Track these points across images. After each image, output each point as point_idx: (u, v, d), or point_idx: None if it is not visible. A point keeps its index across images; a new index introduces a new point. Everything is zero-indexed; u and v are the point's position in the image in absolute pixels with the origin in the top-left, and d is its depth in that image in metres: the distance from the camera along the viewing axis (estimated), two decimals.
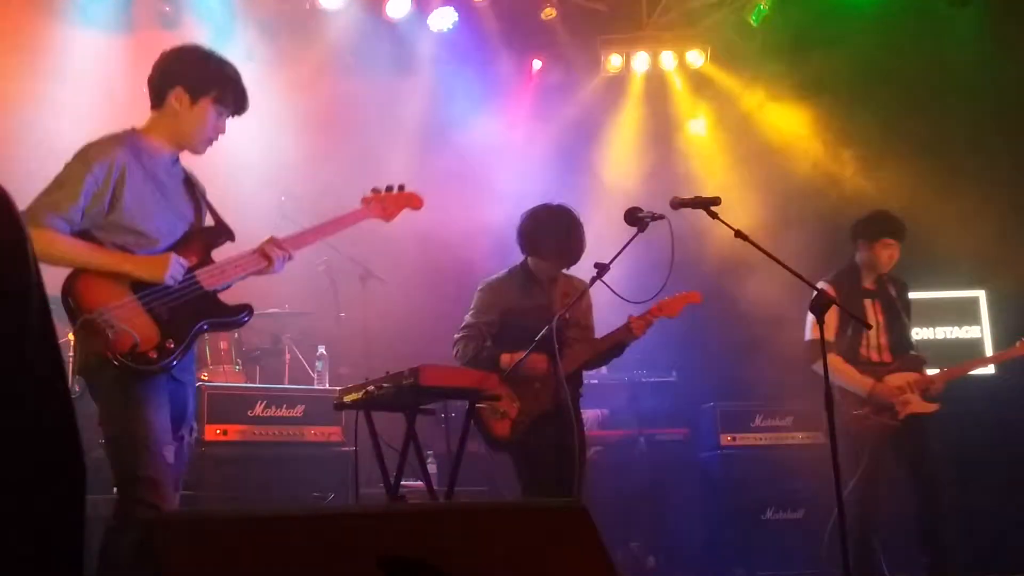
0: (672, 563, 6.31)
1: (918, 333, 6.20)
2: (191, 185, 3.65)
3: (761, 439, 6.42)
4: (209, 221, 3.67)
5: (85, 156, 3.36)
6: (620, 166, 7.90)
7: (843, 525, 3.65)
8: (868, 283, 5.40)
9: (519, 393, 4.60)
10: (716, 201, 4.18)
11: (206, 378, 6.13)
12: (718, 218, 4.15)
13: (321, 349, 6.48)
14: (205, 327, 3.51)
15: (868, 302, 5.34)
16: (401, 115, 7.69)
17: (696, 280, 5.76)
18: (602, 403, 6.69)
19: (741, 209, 6.78)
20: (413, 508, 3.42)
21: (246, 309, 3.61)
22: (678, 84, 8.02)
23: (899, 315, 5.35)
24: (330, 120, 7.44)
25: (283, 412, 5.60)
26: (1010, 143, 6.83)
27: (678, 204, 4.24)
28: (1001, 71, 6.75)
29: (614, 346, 4.69)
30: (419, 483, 4.90)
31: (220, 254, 3.61)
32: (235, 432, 5.46)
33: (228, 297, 3.64)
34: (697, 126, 8.02)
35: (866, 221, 5.44)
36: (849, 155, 7.29)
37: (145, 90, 3.56)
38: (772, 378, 6.43)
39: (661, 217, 4.32)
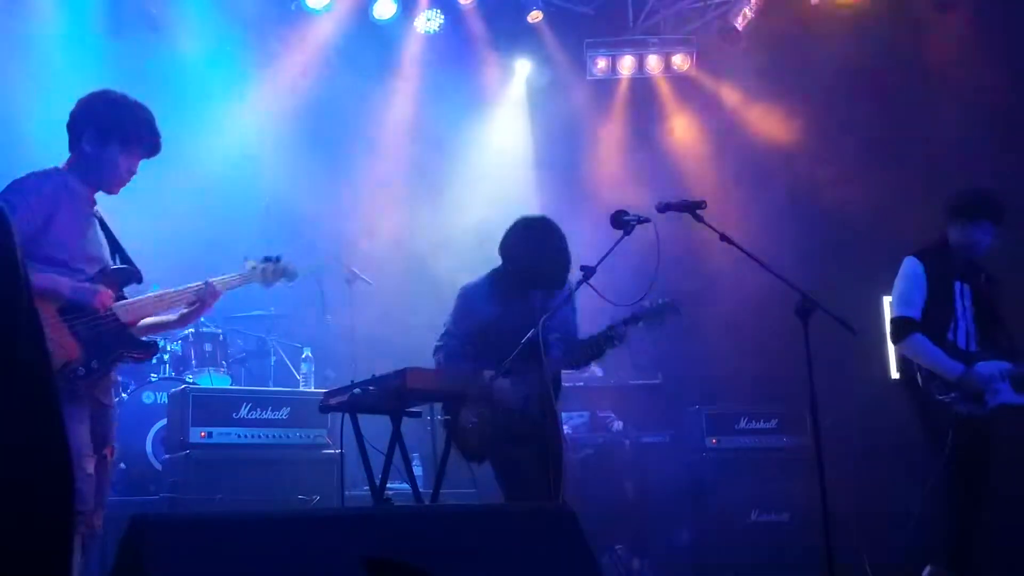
0: (658, 566, 6.31)
1: None
2: (105, 227, 3.79)
3: (747, 442, 6.43)
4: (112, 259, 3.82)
5: (22, 184, 3.52)
6: (606, 169, 7.91)
7: (827, 527, 3.66)
8: (958, 264, 4.87)
9: (484, 404, 4.45)
10: (702, 204, 4.19)
11: (191, 380, 6.12)
12: (703, 221, 4.16)
13: (307, 351, 6.47)
14: (121, 356, 3.69)
15: (957, 284, 4.86)
16: (386, 116, 7.68)
17: (682, 282, 5.78)
18: (588, 406, 6.70)
19: (727, 212, 6.80)
20: (398, 510, 3.42)
21: (153, 347, 3.83)
22: (664, 87, 8.04)
23: (989, 303, 4.90)
24: (315, 121, 7.43)
25: (268, 414, 5.58)
26: (993, 146, 6.86)
27: (664, 207, 4.24)
28: (984, 74, 6.76)
29: (589, 352, 4.65)
30: (405, 485, 4.90)
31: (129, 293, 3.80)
32: (220, 434, 5.45)
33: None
34: (681, 129, 8.04)
35: (967, 199, 4.90)
36: (834, 158, 7.30)
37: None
38: (758, 381, 6.45)
39: (647, 220, 4.32)
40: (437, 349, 4.66)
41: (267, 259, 4.23)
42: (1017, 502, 5.10)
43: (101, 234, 3.76)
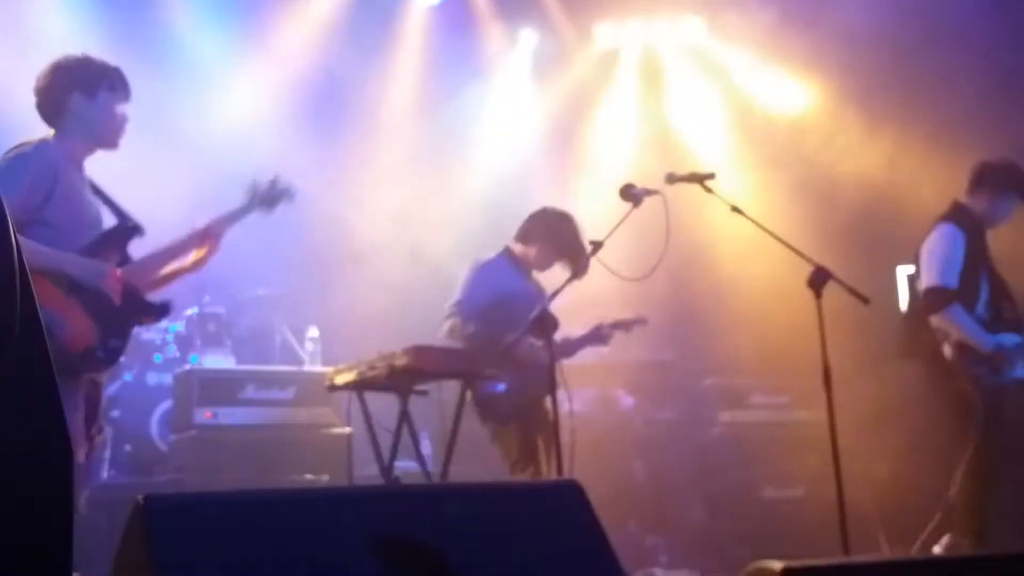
0: (671, 543, 6.27)
1: None
2: (96, 188, 3.71)
3: (760, 416, 6.37)
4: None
5: (25, 152, 3.44)
6: (613, 141, 7.81)
7: (841, 502, 3.62)
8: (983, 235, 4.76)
9: (512, 371, 4.57)
10: (711, 176, 4.16)
11: (195, 360, 6.08)
12: (713, 192, 4.11)
13: (313, 331, 6.41)
14: (134, 323, 3.67)
15: (982, 254, 4.75)
16: (388, 90, 7.59)
17: (692, 255, 5.71)
18: (598, 383, 6.64)
19: (737, 183, 6.71)
20: (406, 488, 3.38)
21: (166, 306, 3.73)
22: (672, 55, 7.91)
23: (998, 273, 4.80)
24: (317, 94, 7.35)
25: (274, 394, 5.55)
26: (1011, 113, 6.71)
27: (673, 179, 4.19)
28: (1003, 38, 6.60)
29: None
30: (414, 464, 4.86)
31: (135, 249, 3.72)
32: (226, 415, 5.41)
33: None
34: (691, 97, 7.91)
35: (1001, 170, 4.76)
36: (847, 127, 7.18)
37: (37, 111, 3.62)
38: (769, 355, 6.37)
39: (656, 192, 4.28)
40: (448, 316, 4.67)
41: (263, 182, 4.09)
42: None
43: (94, 200, 3.69)
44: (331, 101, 7.48)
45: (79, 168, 3.63)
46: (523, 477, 4.47)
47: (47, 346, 1.39)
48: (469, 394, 4.60)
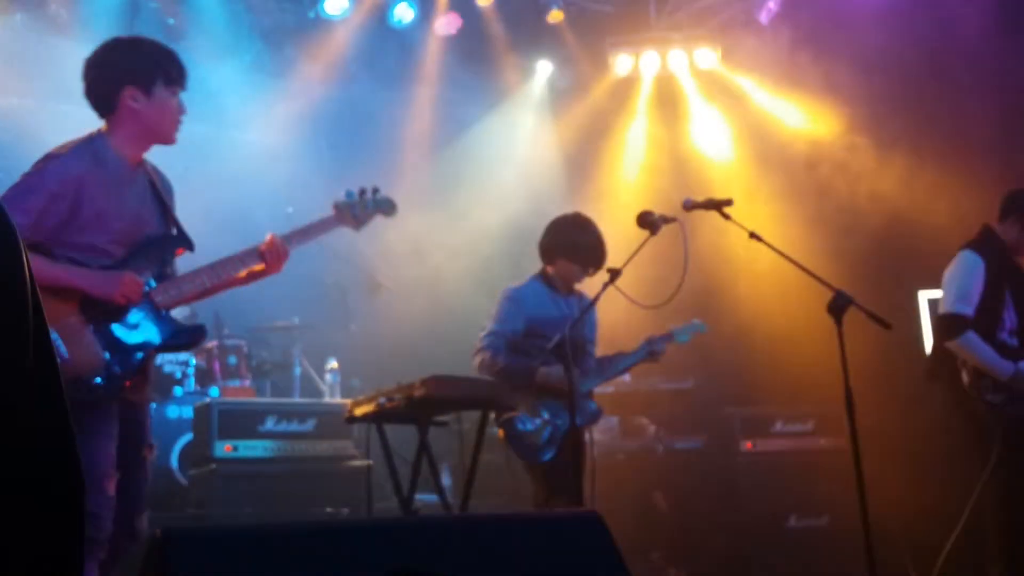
0: (694, 573, 6.19)
1: None
2: (156, 192, 3.42)
3: (783, 444, 6.30)
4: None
5: (45, 167, 3.19)
6: (630, 169, 7.82)
7: (867, 531, 3.55)
8: (1006, 261, 4.76)
9: (548, 405, 4.50)
10: (728, 202, 4.14)
11: (216, 394, 6.09)
12: (731, 219, 4.08)
13: (332, 362, 6.42)
14: (155, 350, 3.31)
15: (1007, 281, 4.73)
16: (406, 121, 7.64)
17: (710, 283, 5.68)
18: (619, 411, 6.59)
19: (755, 210, 6.68)
20: (426, 519, 3.34)
21: (199, 331, 3.43)
22: (688, 84, 7.92)
23: None
24: (336, 127, 7.41)
25: (294, 426, 5.53)
26: (1020, 143, 6.65)
27: (691, 206, 4.18)
28: (1017, 61, 6.57)
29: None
30: (434, 496, 4.82)
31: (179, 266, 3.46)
32: (246, 448, 5.40)
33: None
34: (708, 127, 7.92)
35: None
36: (864, 152, 7.16)
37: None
38: (792, 382, 6.31)
39: (673, 220, 4.26)
40: (480, 350, 4.58)
41: (361, 192, 3.78)
42: None
43: (152, 203, 3.37)
44: (348, 132, 7.54)
45: (128, 169, 3.32)
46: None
47: (60, 374, 1.37)
48: (501, 432, 4.53)
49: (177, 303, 3.37)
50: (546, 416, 4.49)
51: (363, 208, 3.77)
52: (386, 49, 7.42)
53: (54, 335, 2.96)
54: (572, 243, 4.73)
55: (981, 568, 4.65)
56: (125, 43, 3.43)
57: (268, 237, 3.51)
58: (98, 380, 3.10)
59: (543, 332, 4.48)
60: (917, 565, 5.23)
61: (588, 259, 4.70)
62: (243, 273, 3.49)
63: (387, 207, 3.86)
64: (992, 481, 4.50)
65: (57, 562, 1.33)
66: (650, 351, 4.77)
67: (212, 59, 6.82)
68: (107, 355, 3.14)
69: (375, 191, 3.82)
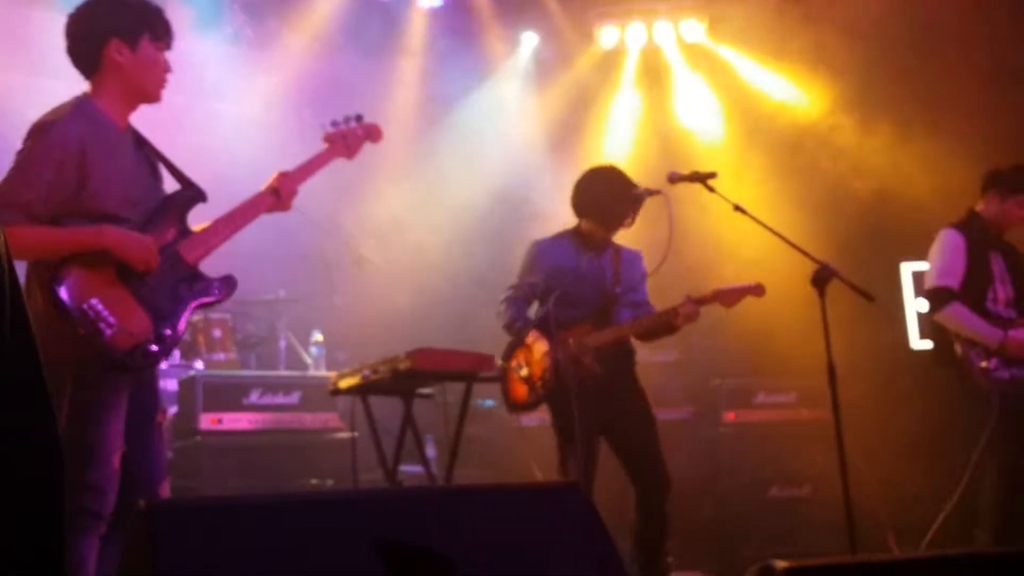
0: (677, 543, 6.25)
1: None
2: (146, 154, 3.35)
3: (765, 415, 6.36)
4: (169, 184, 3.41)
5: (43, 136, 3.07)
6: (615, 141, 7.81)
7: (848, 500, 3.60)
8: (992, 237, 4.99)
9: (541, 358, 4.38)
10: (713, 175, 4.15)
11: (201, 367, 6.08)
12: (716, 192, 4.10)
13: (317, 335, 6.42)
14: (195, 306, 3.26)
15: (993, 255, 4.94)
16: (391, 94, 7.60)
17: (695, 255, 5.70)
18: None
19: (740, 183, 6.69)
20: (410, 491, 3.37)
21: (230, 281, 3.33)
22: (674, 56, 7.90)
23: (1021, 273, 4.95)
24: (319, 100, 7.36)
25: (279, 399, 5.55)
26: (1004, 116, 6.65)
27: (676, 179, 4.19)
28: (1011, 35, 6.52)
29: (659, 326, 4.55)
30: (419, 468, 4.86)
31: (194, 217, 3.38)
32: (230, 420, 5.41)
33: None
34: (694, 100, 7.90)
35: (1009, 174, 5.00)
36: (850, 126, 7.16)
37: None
38: (776, 354, 6.36)
39: (658, 192, 4.28)
40: (502, 301, 4.58)
41: (346, 119, 3.76)
42: None
43: (144, 163, 3.31)
44: (332, 104, 7.44)
45: (116, 131, 3.23)
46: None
47: (38, 355, 1.36)
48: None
49: (205, 256, 3.30)
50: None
51: (353, 135, 3.76)
52: (369, 21, 7.36)
53: (100, 306, 2.97)
54: (589, 196, 4.57)
55: (969, 534, 4.76)
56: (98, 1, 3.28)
57: (276, 174, 3.51)
58: (153, 347, 3.05)
59: (566, 284, 4.40)
60: (897, 534, 5.30)
61: (603, 218, 4.54)
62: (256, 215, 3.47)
63: (374, 132, 3.84)
64: (989, 446, 4.66)
65: (36, 541, 1.33)
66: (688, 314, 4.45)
67: (193, 30, 6.75)
68: (154, 320, 3.08)
69: (359, 117, 3.79)
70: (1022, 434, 4.65)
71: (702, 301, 4.44)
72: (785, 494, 6.18)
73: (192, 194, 3.33)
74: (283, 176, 3.52)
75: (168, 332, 3.11)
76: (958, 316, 4.74)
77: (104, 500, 2.99)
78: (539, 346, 4.38)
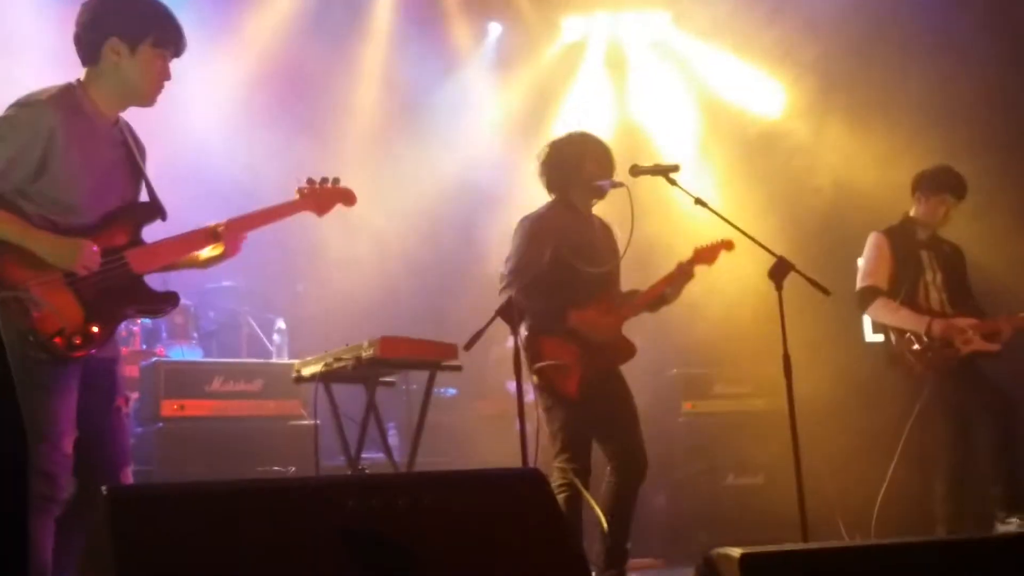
0: (634, 529, 6.34)
1: None
2: (130, 152, 3.36)
3: (722, 405, 6.46)
4: (143, 195, 3.42)
5: (14, 117, 3.08)
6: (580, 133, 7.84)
7: (801, 489, 3.68)
8: (922, 236, 5.27)
9: (582, 348, 4.29)
10: (675, 168, 4.18)
11: (161, 353, 6.06)
12: (677, 185, 4.14)
13: (280, 323, 6.42)
14: (131, 313, 3.33)
15: (923, 253, 5.24)
16: (355, 82, 7.58)
17: (655, 246, 5.76)
18: None
19: (702, 177, 6.77)
20: (370, 478, 3.40)
21: (172, 298, 3.38)
22: (638, 49, 7.95)
23: (956, 269, 5.26)
24: (283, 86, 7.33)
25: (241, 386, 5.55)
26: (977, 111, 6.73)
27: (637, 172, 4.23)
28: (976, 38, 6.59)
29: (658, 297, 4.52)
30: (381, 455, 4.88)
31: (150, 234, 3.39)
32: (193, 407, 5.41)
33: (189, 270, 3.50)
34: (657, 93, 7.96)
35: (929, 174, 5.28)
36: (813, 124, 7.25)
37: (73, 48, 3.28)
38: (733, 345, 6.45)
39: (621, 185, 4.31)
40: (508, 287, 4.26)
41: (323, 180, 3.73)
42: None
43: (125, 164, 3.31)
44: (297, 93, 7.46)
45: (105, 123, 3.25)
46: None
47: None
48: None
49: (151, 270, 3.32)
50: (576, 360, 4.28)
51: (326, 194, 3.75)
52: (334, 9, 7.34)
53: (34, 291, 2.98)
54: (557, 165, 4.47)
55: (927, 511, 5.06)
56: None
57: (225, 221, 3.47)
58: (77, 340, 3.06)
59: (568, 260, 4.28)
60: (847, 523, 5.42)
61: (569, 182, 4.41)
62: (203, 256, 3.49)
63: (348, 197, 3.83)
64: (928, 423, 5.00)
65: (9, 512, 1.34)
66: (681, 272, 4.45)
67: None
68: (85, 315, 3.10)
69: (336, 180, 3.80)
70: (954, 416, 4.97)
71: (691, 263, 4.48)
72: (740, 482, 6.28)
73: (152, 210, 3.34)
74: (231, 223, 3.49)
75: (96, 330, 3.11)
76: (885, 308, 5.09)
77: (55, 484, 2.99)
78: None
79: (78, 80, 3.25)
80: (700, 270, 4.54)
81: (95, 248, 3.13)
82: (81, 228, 3.15)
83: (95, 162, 3.21)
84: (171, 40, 3.28)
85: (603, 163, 4.44)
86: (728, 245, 4.51)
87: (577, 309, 4.28)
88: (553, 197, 4.50)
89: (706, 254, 4.51)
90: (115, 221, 3.24)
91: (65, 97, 3.17)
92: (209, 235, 3.45)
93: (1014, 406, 5.03)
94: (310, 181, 3.77)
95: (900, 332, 5.12)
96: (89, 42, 3.22)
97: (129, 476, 3.28)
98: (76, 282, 3.10)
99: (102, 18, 3.22)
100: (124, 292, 3.22)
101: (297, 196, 3.73)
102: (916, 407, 5.03)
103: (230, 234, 3.47)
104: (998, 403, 5.00)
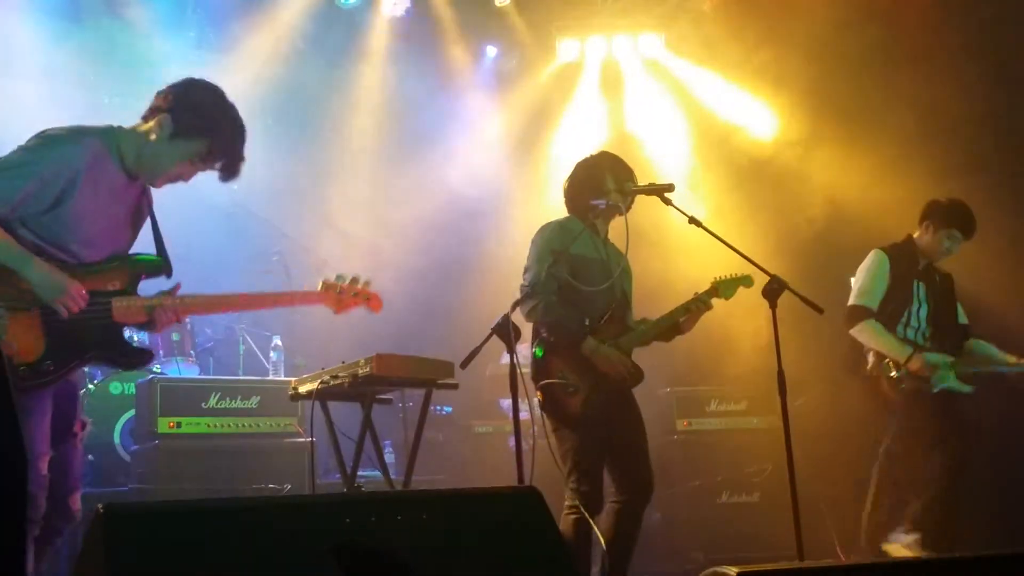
0: None
1: None
2: (139, 215, 3.38)
3: (717, 423, 6.48)
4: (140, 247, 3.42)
5: (47, 149, 3.09)
6: (574, 153, 7.89)
7: (796, 507, 3.69)
8: (920, 265, 5.22)
9: (586, 368, 4.22)
10: (670, 188, 4.20)
11: (158, 370, 6.07)
12: (672, 204, 4.17)
13: (276, 340, 6.43)
14: (91, 359, 3.24)
15: (916, 284, 5.19)
16: (353, 103, 7.63)
17: (651, 266, 5.79)
18: None
19: (696, 196, 6.81)
20: (367, 496, 3.40)
21: (144, 355, 3.34)
22: (634, 70, 8.02)
23: (944, 301, 5.24)
24: (282, 105, 7.37)
25: (237, 404, 5.55)
26: (970, 130, 6.78)
27: (631, 191, 4.25)
28: (967, 59, 6.64)
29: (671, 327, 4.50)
30: (377, 473, 4.88)
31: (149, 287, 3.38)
32: (189, 424, 5.40)
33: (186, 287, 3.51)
34: (651, 113, 8.02)
35: (943, 207, 5.20)
36: (805, 142, 7.30)
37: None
38: (728, 363, 6.47)
39: (614, 204, 4.33)
40: (527, 298, 4.17)
41: (352, 279, 3.67)
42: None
43: (129, 222, 3.32)
44: (296, 112, 7.51)
45: (123, 180, 3.25)
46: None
47: (3, 361, 1.38)
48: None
49: (132, 322, 3.29)
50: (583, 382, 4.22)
51: (350, 294, 3.68)
52: (333, 29, 7.40)
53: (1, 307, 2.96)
54: (572, 187, 4.48)
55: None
56: (212, 90, 3.34)
57: (245, 294, 3.56)
58: (24, 370, 3.01)
59: (576, 273, 4.25)
60: (842, 541, 5.43)
61: (581, 205, 4.37)
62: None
63: (374, 301, 3.76)
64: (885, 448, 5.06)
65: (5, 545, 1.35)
66: (700, 301, 4.41)
67: (156, 34, 6.75)
68: (46, 349, 3.07)
69: (367, 282, 3.73)
70: (926, 442, 4.93)
71: (709, 294, 4.44)
72: (735, 500, 6.29)
73: (158, 266, 3.33)
74: (252, 299, 3.61)
75: (49, 367, 3.06)
76: (872, 330, 5.04)
77: (34, 504, 2.96)
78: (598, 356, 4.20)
79: (120, 126, 3.27)
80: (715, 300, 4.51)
81: (83, 291, 3.12)
82: (72, 266, 3.14)
83: (104, 212, 3.20)
84: (216, 155, 3.28)
85: (618, 178, 4.38)
86: (747, 282, 4.43)
87: (594, 336, 4.23)
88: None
89: (724, 288, 4.46)
90: (112, 268, 3.23)
91: (101, 142, 3.17)
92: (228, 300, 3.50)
93: (978, 440, 5.00)
94: (339, 278, 3.69)
95: (880, 356, 5.11)
96: (156, 105, 3.26)
97: (77, 502, 3.25)
98: (49, 317, 3.07)
99: (174, 96, 3.26)
100: (94, 336, 3.17)
101: (320, 288, 3.68)
102: (885, 440, 5.07)
103: (253, 307, 3.47)
104: (968, 432, 4.96)
